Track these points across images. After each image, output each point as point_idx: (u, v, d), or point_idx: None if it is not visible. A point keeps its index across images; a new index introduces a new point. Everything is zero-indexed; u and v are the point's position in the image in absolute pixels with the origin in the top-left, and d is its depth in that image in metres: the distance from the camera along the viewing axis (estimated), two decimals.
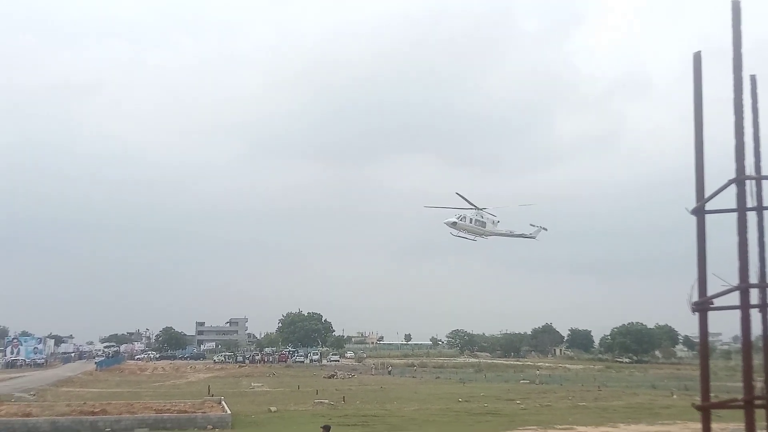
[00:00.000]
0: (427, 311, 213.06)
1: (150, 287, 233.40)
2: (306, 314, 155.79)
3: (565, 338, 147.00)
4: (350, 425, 31.11)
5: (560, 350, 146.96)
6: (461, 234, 58.19)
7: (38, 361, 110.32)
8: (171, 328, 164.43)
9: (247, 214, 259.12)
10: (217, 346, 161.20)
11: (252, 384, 65.04)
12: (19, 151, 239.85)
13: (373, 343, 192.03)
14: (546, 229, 61.64)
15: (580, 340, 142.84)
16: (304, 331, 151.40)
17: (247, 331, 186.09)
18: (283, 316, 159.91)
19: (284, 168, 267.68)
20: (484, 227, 57.84)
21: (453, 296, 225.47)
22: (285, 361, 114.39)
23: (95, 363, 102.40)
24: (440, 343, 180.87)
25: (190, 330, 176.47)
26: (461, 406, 42.65)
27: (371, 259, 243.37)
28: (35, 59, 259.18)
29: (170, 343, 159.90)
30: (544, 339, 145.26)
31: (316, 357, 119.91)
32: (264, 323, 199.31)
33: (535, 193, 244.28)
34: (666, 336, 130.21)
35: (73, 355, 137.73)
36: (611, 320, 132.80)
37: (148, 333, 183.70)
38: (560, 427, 31.03)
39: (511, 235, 60.65)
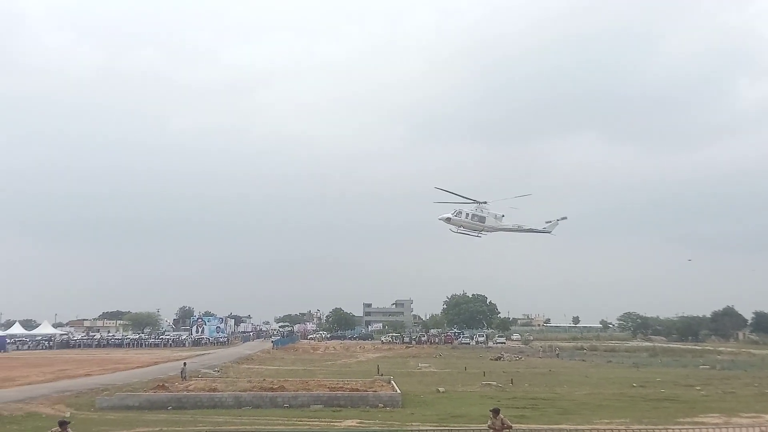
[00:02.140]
0: (596, 293, 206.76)
1: (321, 271, 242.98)
2: (470, 296, 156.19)
3: (749, 322, 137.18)
4: (519, 408, 30.76)
5: (743, 334, 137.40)
6: (460, 230, 55.28)
7: (220, 340, 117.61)
8: (340, 309, 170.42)
9: (411, 197, 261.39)
10: (383, 326, 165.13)
11: (419, 364, 65.86)
12: (197, 142, 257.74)
13: (539, 325, 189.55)
14: (565, 218, 57.60)
15: (766, 323, 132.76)
16: (469, 313, 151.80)
17: (413, 313, 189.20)
18: (447, 297, 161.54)
19: (447, 149, 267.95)
20: (484, 222, 54.27)
21: (624, 277, 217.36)
22: (451, 343, 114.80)
23: (272, 342, 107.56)
24: (611, 326, 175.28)
25: (358, 311, 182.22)
26: (636, 391, 41.00)
27: (537, 240, 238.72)
28: (210, 55, 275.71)
29: (340, 323, 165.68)
30: (725, 322, 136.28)
31: (481, 339, 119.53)
32: (429, 305, 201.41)
33: (711, 168, 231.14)
34: None
35: (251, 334, 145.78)
36: None
37: (319, 314, 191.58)
38: (746, 415, 29.02)
39: (520, 229, 56.67)
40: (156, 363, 62.51)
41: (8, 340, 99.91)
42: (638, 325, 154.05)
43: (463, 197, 53.50)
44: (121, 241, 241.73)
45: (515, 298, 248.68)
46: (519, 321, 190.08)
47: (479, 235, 55.08)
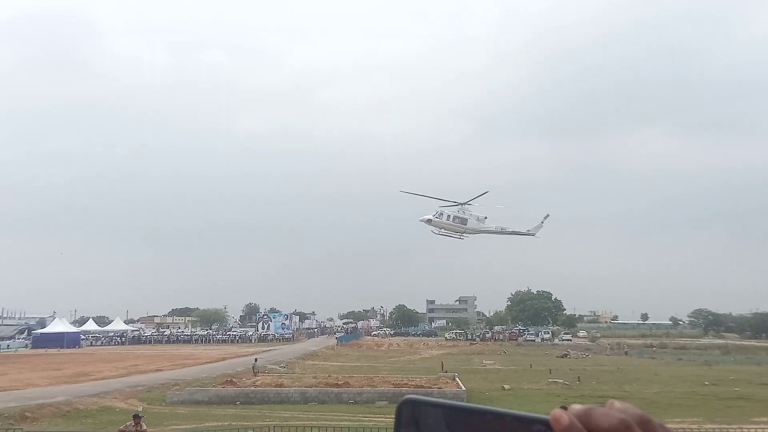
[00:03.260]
0: (665, 289, 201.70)
1: (383, 267, 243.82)
2: (535, 292, 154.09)
3: None
4: None
5: None
6: (442, 232, 54.43)
7: (286, 336, 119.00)
8: (403, 305, 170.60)
9: (473, 193, 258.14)
10: (447, 323, 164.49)
11: (483, 361, 65.50)
12: (260, 144, 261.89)
13: (606, 322, 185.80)
14: (546, 218, 56.22)
15: None
16: (534, 310, 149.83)
17: (476, 309, 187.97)
18: (511, 294, 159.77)
19: (511, 143, 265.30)
20: (465, 224, 53.33)
21: (695, 273, 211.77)
22: (515, 340, 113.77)
23: (336, 338, 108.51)
24: (681, 323, 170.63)
25: (421, 308, 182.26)
26: (708, 389, 39.96)
27: (603, 235, 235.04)
28: (277, 56, 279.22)
29: (403, 320, 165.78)
30: None
31: (547, 336, 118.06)
32: (492, 301, 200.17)
33: None
34: None
35: (316, 330, 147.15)
36: None
37: (382, 310, 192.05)
38: None
39: (503, 232, 55.75)
40: (224, 359, 63.60)
41: (82, 336, 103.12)
42: (710, 322, 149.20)
43: (437, 199, 53.27)
44: (190, 241, 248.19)
45: (581, 295, 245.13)
46: (585, 318, 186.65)
47: (461, 236, 54.52)
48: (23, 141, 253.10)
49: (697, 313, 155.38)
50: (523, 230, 55.29)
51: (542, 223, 55.05)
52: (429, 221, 53.61)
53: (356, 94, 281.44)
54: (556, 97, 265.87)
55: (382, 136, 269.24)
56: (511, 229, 55.46)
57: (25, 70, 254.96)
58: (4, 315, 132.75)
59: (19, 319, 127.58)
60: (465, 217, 53.26)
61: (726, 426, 23.78)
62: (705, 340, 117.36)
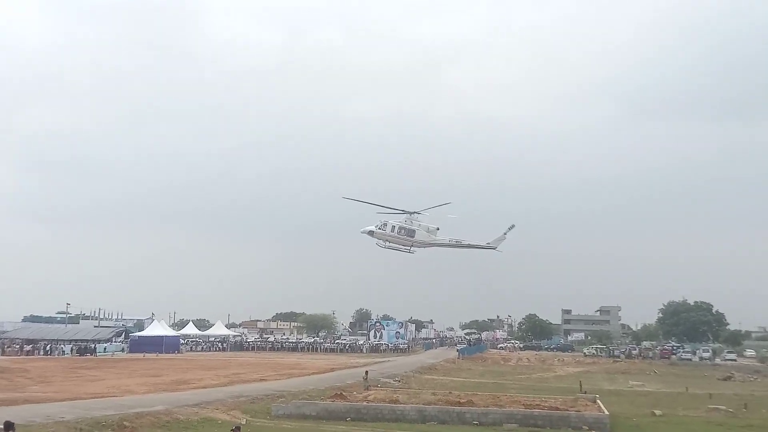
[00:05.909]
0: None
1: (513, 271, 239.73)
2: (692, 303, 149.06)
3: None
4: None
5: None
6: (388, 245, 53.00)
7: (400, 346, 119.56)
8: (534, 315, 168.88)
9: (620, 180, 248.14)
10: (585, 336, 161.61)
11: (630, 382, 64.28)
12: (372, 129, 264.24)
13: None
14: (510, 230, 53.69)
15: None
16: (690, 323, 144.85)
17: (620, 321, 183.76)
18: (663, 305, 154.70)
19: (664, 125, 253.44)
20: (413, 236, 51.91)
21: None
22: (668, 358, 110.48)
23: (457, 350, 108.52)
24: None
25: (555, 318, 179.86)
26: None
27: None
28: (396, 33, 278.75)
29: (533, 331, 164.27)
30: None
31: (706, 354, 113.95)
32: (640, 312, 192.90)
33: None
34: None
35: (434, 340, 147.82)
36: None
37: (509, 320, 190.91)
38: None
39: (458, 245, 53.66)
40: (332, 369, 64.65)
41: (182, 341, 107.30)
42: None
43: (381, 206, 52.64)
44: (297, 241, 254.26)
45: (749, 308, 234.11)
46: (753, 334, 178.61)
47: (410, 250, 53.20)
48: (121, 133, 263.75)
49: None
50: (483, 243, 53.74)
51: (504, 234, 53.42)
52: (371, 233, 53.42)
53: (485, 73, 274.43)
54: (719, 68, 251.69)
55: (512, 119, 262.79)
56: (467, 242, 54.10)
57: (125, 52, 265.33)
58: (101, 316, 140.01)
59: (117, 320, 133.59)
60: (413, 228, 52.81)
61: None
62: None
